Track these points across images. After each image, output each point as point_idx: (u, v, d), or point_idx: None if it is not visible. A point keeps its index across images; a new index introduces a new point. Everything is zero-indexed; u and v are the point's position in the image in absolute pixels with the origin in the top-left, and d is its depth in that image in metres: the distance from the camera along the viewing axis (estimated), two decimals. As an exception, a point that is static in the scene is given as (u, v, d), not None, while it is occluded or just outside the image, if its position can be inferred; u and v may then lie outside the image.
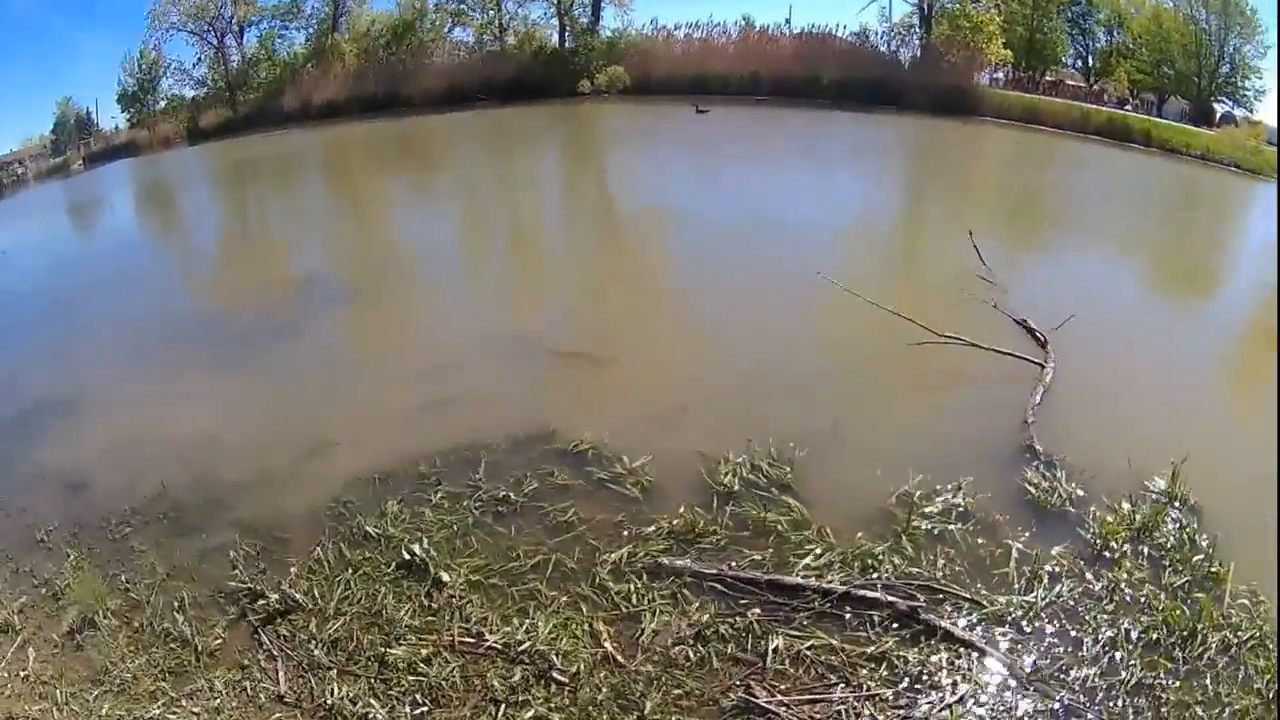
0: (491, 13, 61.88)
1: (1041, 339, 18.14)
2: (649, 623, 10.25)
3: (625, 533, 11.99)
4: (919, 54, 59.06)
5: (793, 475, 13.08)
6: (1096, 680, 9.22)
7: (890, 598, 10.24)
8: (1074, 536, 11.66)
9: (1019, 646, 9.71)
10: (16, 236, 39.37)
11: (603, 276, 25.48)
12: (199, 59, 59.86)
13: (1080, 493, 12.52)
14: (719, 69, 59.57)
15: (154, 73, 59.42)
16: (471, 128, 55.87)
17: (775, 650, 9.63)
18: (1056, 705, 8.99)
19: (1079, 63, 61.37)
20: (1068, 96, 58.11)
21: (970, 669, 9.37)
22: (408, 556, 11.64)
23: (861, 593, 10.28)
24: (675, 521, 12.02)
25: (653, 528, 11.98)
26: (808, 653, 9.62)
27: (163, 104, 59.59)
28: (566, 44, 61.51)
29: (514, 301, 23.32)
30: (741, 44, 61.22)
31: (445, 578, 11.25)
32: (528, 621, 10.39)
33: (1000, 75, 58.14)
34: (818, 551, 11.17)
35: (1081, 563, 11.07)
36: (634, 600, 10.64)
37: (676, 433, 14.60)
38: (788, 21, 60.89)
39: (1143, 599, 10.45)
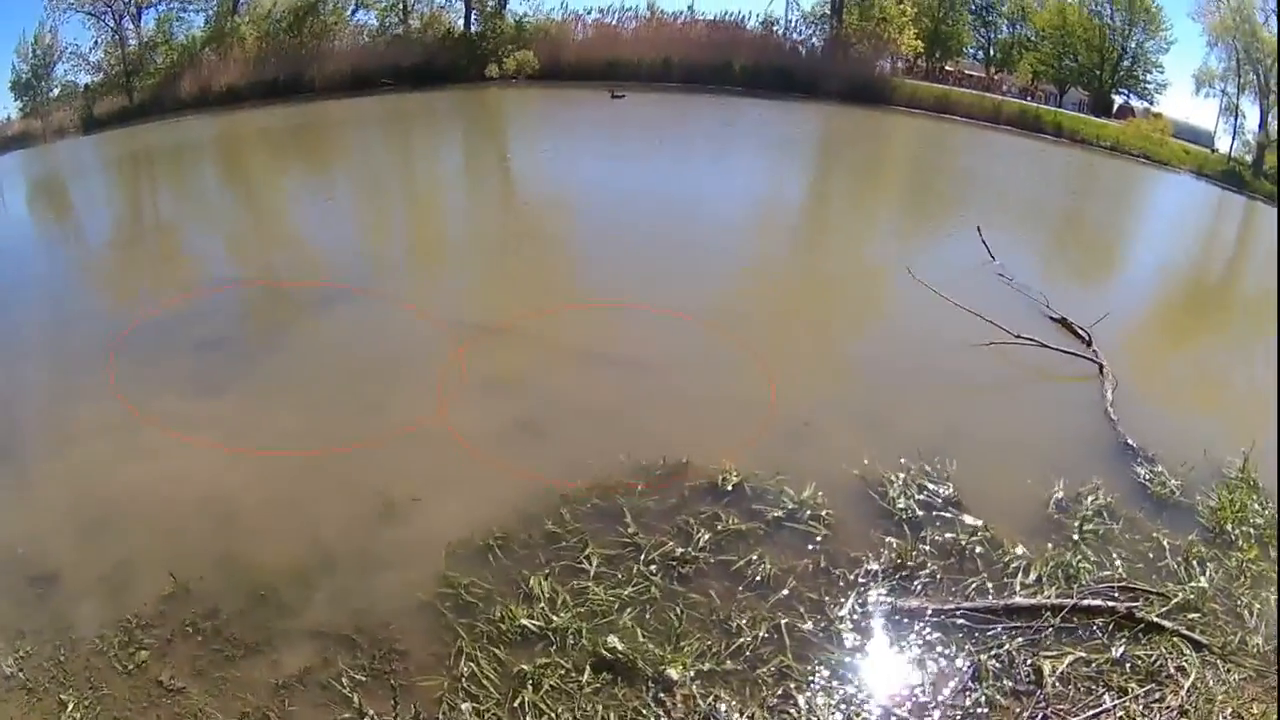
0: None
1: (1085, 336, 17.85)
2: (923, 675, 8.87)
3: (837, 578, 10.24)
4: (828, 43, 58.03)
5: (957, 489, 12.02)
6: (1267, 649, 9.36)
7: (1110, 603, 9.83)
8: (1194, 524, 11.67)
9: (1206, 630, 9.59)
10: None
11: (595, 274, 22.31)
12: (95, 42, 54.59)
13: (1175, 483, 12.50)
14: (630, 55, 57.83)
15: (48, 58, 53.76)
16: (377, 114, 52.51)
17: (1045, 674, 8.81)
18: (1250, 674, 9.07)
19: (978, 53, 62.00)
20: (966, 86, 58.46)
21: (1189, 658, 9.11)
22: (606, 654, 8.82)
23: (1087, 602, 9.78)
24: (879, 558, 10.54)
25: (861, 569, 10.34)
26: (1068, 670, 8.90)
27: (57, 91, 54.39)
28: (473, 28, 59.19)
29: (512, 297, 20.44)
30: (653, 30, 59.35)
31: (674, 675, 8.63)
32: (800, 713, 8.41)
33: (900, 65, 57.92)
34: (1021, 567, 10.51)
35: (1214, 549, 11.15)
36: (894, 655, 9.17)
37: (812, 451, 12.98)
38: (690, 9, 59.52)
39: (1261, 573, 10.74)
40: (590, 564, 10.24)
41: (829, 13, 58.06)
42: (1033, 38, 59.30)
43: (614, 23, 59.93)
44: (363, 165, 40.84)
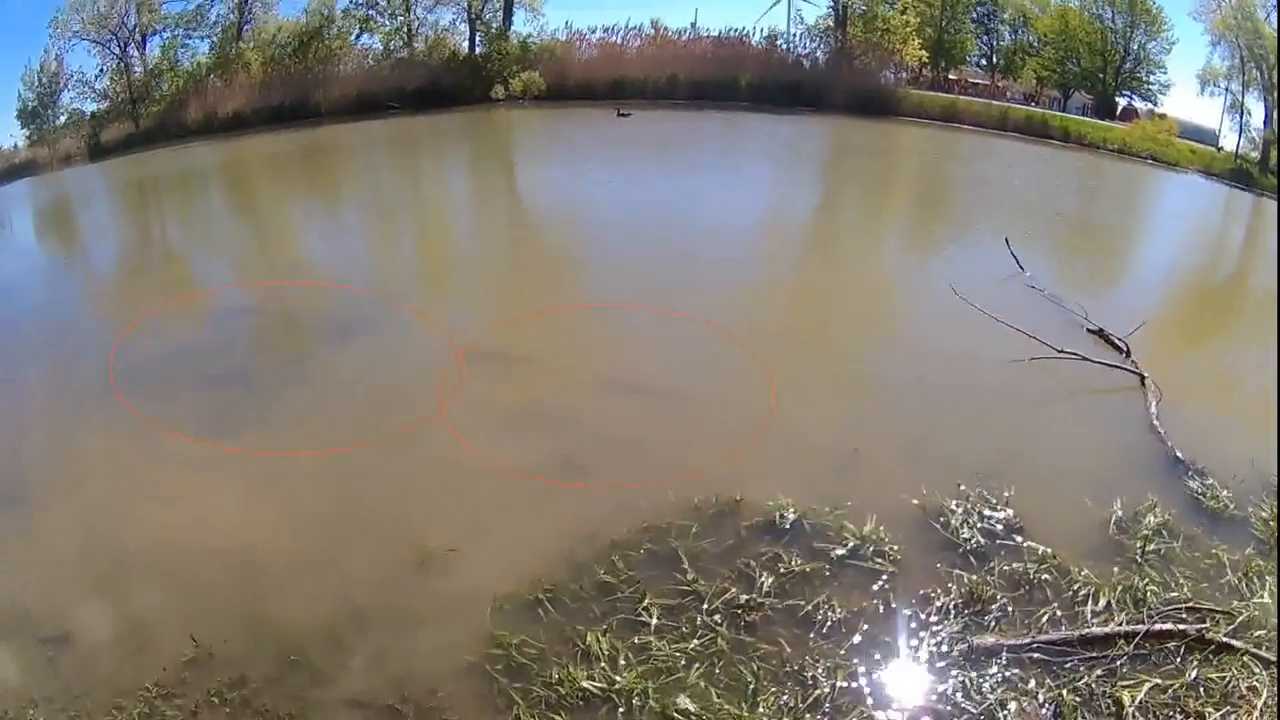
0: (400, 19, 58.15)
1: (1123, 347, 17.66)
2: (1006, 715, 8.45)
3: (909, 618, 9.76)
4: (833, 56, 57.65)
5: (1017, 515, 11.65)
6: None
7: (1180, 625, 9.56)
8: (1249, 537, 11.48)
9: (1274, 646, 9.29)
10: None
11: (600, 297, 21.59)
12: (101, 70, 54.64)
13: (1227, 495, 12.28)
14: (635, 73, 57.52)
15: (54, 86, 53.75)
16: (383, 138, 51.98)
17: (1125, 706, 8.49)
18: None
19: (982, 61, 61.84)
20: (970, 94, 58.05)
21: (1259, 676, 8.91)
22: (677, 716, 8.28)
23: (1159, 627, 9.48)
24: (949, 593, 10.10)
25: (932, 607, 9.88)
26: (1146, 699, 8.61)
27: (63, 119, 54.43)
28: (478, 49, 58.78)
29: (539, 325, 19.51)
30: (658, 47, 59.15)
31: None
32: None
33: (904, 75, 57.43)
34: (1090, 594, 10.14)
35: (1271, 561, 10.91)
36: (975, 697, 8.66)
37: (864, 480, 12.50)
38: (693, 25, 59.24)
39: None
40: (650, 616, 9.62)
41: (833, 25, 57.80)
42: (1035, 43, 59.09)
43: (619, 41, 59.66)
44: (372, 189, 40.62)
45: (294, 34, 56.52)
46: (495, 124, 55.52)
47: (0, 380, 18.21)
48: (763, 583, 10.14)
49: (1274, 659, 9.11)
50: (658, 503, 11.68)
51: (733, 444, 13.63)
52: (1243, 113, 50.35)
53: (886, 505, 11.65)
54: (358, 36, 58.51)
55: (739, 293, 21.51)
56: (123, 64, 54.68)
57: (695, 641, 9.23)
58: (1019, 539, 11.20)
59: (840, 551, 10.75)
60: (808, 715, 8.39)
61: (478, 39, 58.86)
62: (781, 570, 10.38)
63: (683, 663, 8.96)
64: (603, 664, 8.86)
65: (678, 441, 13.74)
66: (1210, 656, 9.18)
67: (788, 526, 11.25)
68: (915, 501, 11.90)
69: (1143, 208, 43.67)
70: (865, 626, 9.54)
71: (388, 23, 58.42)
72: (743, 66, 57.35)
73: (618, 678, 8.63)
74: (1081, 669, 8.98)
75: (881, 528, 11.12)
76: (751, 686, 8.65)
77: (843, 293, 22.86)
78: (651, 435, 14.02)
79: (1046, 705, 8.60)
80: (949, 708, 8.55)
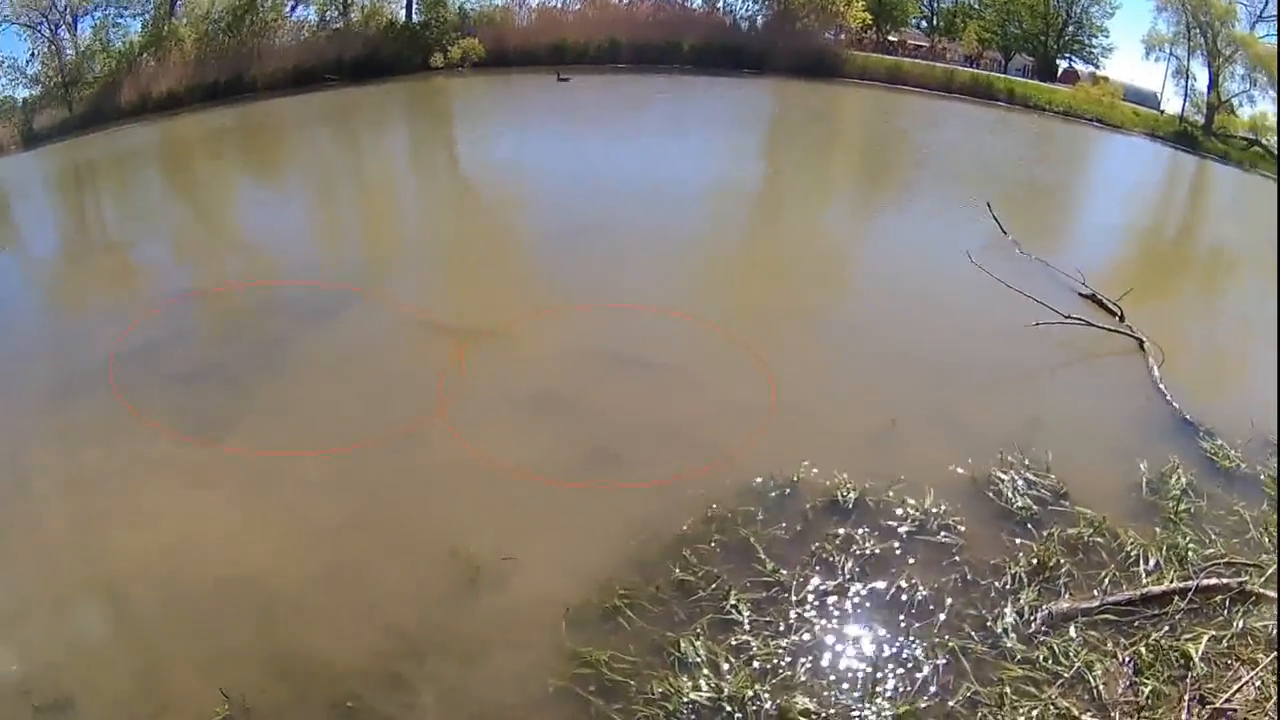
0: None
1: (1117, 311, 17.94)
2: (1095, 678, 8.66)
3: (987, 588, 9.95)
4: (775, 18, 57.37)
5: (1060, 480, 11.93)
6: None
7: (1224, 580, 10.06)
8: (1260, 493, 12.07)
9: None
10: None
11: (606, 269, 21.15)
12: (32, 54, 52.40)
13: (1236, 454, 12.94)
14: (576, 38, 56.73)
15: None
16: (320, 110, 50.87)
17: (1194, 658, 8.87)
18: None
19: (923, 23, 62.15)
20: (913, 56, 58.18)
21: None
22: (800, 718, 8.01)
23: (1208, 582, 9.98)
24: (1017, 562, 10.30)
25: (1006, 576, 10.08)
26: (1207, 649, 8.98)
27: None
28: (415, 18, 57.68)
29: (514, 300, 18.84)
30: (597, 10, 58.56)
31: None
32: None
33: (844, 37, 57.23)
34: (1139, 554, 10.56)
35: None
36: (1064, 661, 8.85)
37: (907, 452, 12.56)
38: None
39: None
40: (740, 613, 9.22)
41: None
42: (975, 5, 59.51)
43: (558, 6, 58.78)
44: (314, 163, 40.05)
45: (228, 8, 54.50)
46: (435, 92, 54.60)
47: None
48: (843, 566, 10.07)
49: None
50: (710, 490, 11.38)
51: (752, 425, 13.37)
52: (1188, 77, 51.12)
53: (936, 477, 11.80)
54: (292, 9, 56.69)
55: (708, 270, 21.44)
56: (54, 47, 53.11)
57: (792, 636, 8.99)
58: (1066, 504, 11.48)
59: (908, 528, 10.82)
60: (921, 700, 8.36)
61: (415, 7, 57.72)
62: (856, 552, 10.30)
63: (786, 660, 8.70)
64: (705, 671, 8.47)
65: (701, 425, 13.35)
66: (1251, 607, 9.65)
67: (851, 506, 11.16)
68: (962, 471, 12.11)
69: (1099, 170, 44.20)
70: (950, 602, 9.63)
71: (322, -8, 57.03)
72: (684, 30, 57.04)
73: (724, 684, 8.27)
74: (1148, 626, 9.38)
75: (943, 503, 11.21)
76: (862, 677, 8.58)
77: (822, 264, 22.84)
78: (672, 420, 13.50)
79: (1127, 663, 8.90)
80: (1045, 675, 8.69)
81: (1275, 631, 9.30)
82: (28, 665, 8.95)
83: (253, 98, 53.15)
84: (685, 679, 8.35)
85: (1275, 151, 44.64)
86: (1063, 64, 58.20)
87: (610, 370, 15.45)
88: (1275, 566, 10.30)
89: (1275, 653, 8.92)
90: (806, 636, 9.00)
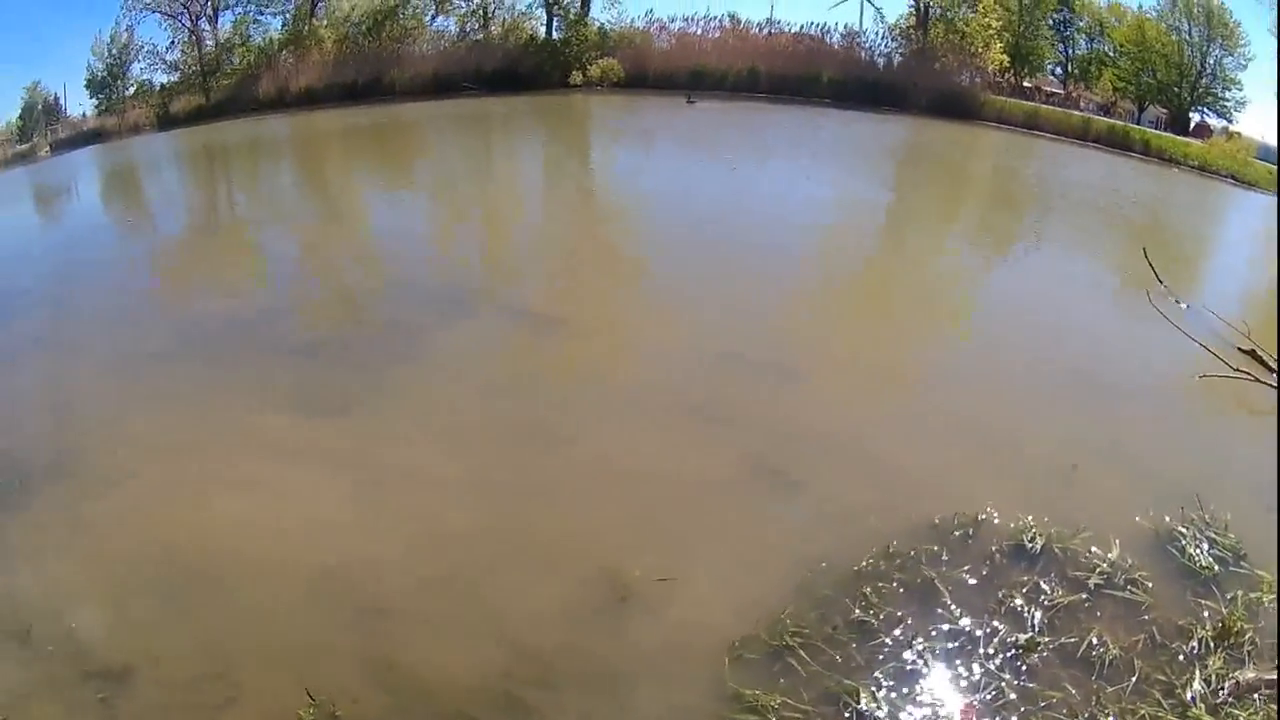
0: (475, 1, 56.94)
1: (1275, 368, 17.16)
2: None
3: (1175, 652, 8.99)
4: (914, 56, 56.16)
5: (1241, 541, 10.72)
6: None
7: None
8: None
9: None
10: None
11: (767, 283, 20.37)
12: (172, 42, 54.73)
13: None
14: (716, 64, 55.77)
15: (124, 57, 54.06)
16: (456, 116, 51.09)
17: None
18: None
19: (1057, 69, 60.91)
20: (1046, 102, 56.59)
21: None
22: None
23: None
24: (1203, 625, 9.30)
25: (1193, 640, 9.07)
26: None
27: (133, 90, 54.82)
28: (556, 34, 57.44)
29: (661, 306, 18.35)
30: (737, 40, 57.40)
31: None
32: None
33: (980, 80, 55.57)
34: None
35: None
36: None
37: (1092, 498, 11.52)
38: (770, 20, 57.44)
39: None
40: (926, 663, 8.37)
41: (914, 25, 56.37)
42: (1111, 53, 58.32)
43: (697, 32, 57.87)
44: (442, 165, 40.15)
45: (368, 13, 55.76)
46: (569, 106, 54.35)
47: (54, 342, 16.99)
48: (1031, 618, 9.19)
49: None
50: (885, 521, 10.50)
51: (925, 454, 12.44)
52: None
53: (1119, 527, 10.81)
54: (433, 18, 57.69)
55: (849, 292, 20.91)
56: (194, 37, 54.75)
57: (983, 693, 8.18)
58: (1247, 566, 10.39)
59: (1096, 581, 9.83)
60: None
61: (555, 24, 57.74)
62: (1045, 603, 9.41)
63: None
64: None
65: (864, 446, 12.43)
66: None
67: (1038, 551, 10.23)
68: (1143, 522, 11.05)
69: (1234, 226, 42.62)
70: (1138, 664, 8.72)
71: (464, 4, 57.48)
72: (823, 63, 55.74)
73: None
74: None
75: (1129, 556, 10.26)
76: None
77: (972, 298, 21.76)
78: (833, 439, 12.64)
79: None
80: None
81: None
82: (88, 625, 8.72)
83: (390, 100, 53.80)
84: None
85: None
86: (1195, 117, 56.62)
87: (756, 383, 14.53)
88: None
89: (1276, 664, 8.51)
90: (996, 695, 8.15)
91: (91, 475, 11.51)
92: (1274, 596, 9.94)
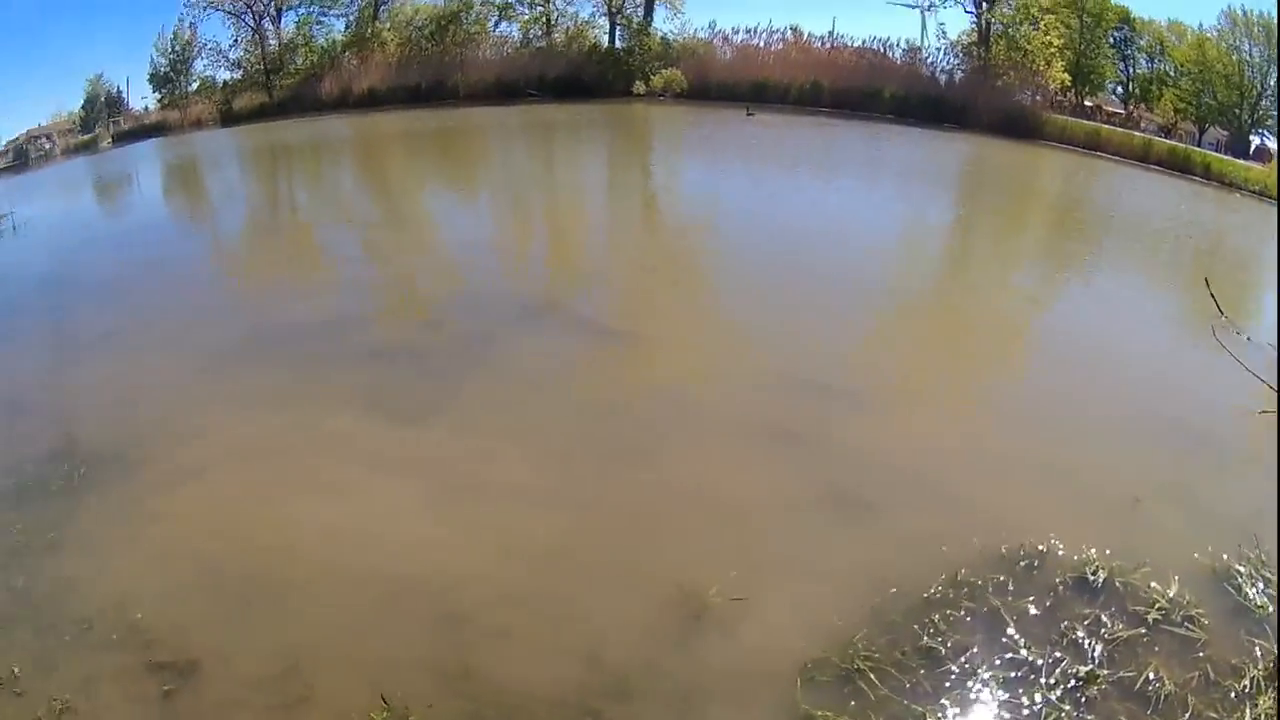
0: (539, 8, 57.24)
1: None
2: None
3: (1227, 690, 8.64)
4: (975, 73, 55.95)
5: None
6: None
7: None
8: None
9: None
10: (41, 209, 34.33)
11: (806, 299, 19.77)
12: (235, 40, 56.04)
13: None
14: (779, 77, 55.85)
15: (187, 53, 55.58)
16: (519, 122, 50.81)
17: None
18: None
19: (1117, 88, 60.15)
20: (1104, 121, 55.78)
21: None
22: None
23: None
24: (1255, 664, 8.92)
25: (1245, 680, 8.73)
26: None
27: (195, 85, 56.05)
28: (619, 43, 57.78)
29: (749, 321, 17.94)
30: (801, 53, 57.34)
31: None
32: None
33: (1040, 98, 55.21)
34: None
35: None
36: None
37: (1152, 532, 11.13)
38: (831, 33, 57.32)
39: None
40: (990, 692, 8.25)
41: (976, 42, 56.08)
42: (1171, 73, 57.75)
43: (759, 44, 57.96)
44: (505, 170, 40.02)
45: (431, 17, 56.59)
46: (632, 115, 54.12)
47: (125, 335, 16.86)
48: (1092, 650, 8.96)
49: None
50: (954, 548, 10.29)
51: (992, 483, 12.12)
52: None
53: (1178, 563, 10.28)
54: (496, 23, 58.32)
55: (912, 316, 19.88)
56: (257, 36, 55.76)
57: None
58: None
59: (1154, 616, 9.49)
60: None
61: (619, 33, 58.01)
62: (1106, 636, 9.14)
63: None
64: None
65: (933, 474, 12.05)
66: None
67: (1100, 584, 9.94)
68: (1200, 558, 11.02)
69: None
70: (1193, 701, 8.44)
71: (526, 11, 57.89)
72: (885, 78, 55.62)
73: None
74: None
75: (1186, 591, 9.93)
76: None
77: (1027, 325, 21.09)
78: (904, 466, 12.23)
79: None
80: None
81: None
82: (154, 616, 8.65)
83: (454, 104, 54.50)
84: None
85: None
86: (1255, 140, 55.91)
87: (826, 407, 14.02)
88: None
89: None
90: (1052, 713, 8.01)
91: (160, 470, 11.50)
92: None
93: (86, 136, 54.09)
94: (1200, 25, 56.06)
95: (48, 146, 53.69)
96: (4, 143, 52.59)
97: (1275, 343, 16.31)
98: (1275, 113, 55.01)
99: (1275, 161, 52.29)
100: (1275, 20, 51.55)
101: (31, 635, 8.58)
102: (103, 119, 55.11)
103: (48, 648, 8.38)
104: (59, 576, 9.39)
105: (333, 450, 11.88)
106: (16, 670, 8.06)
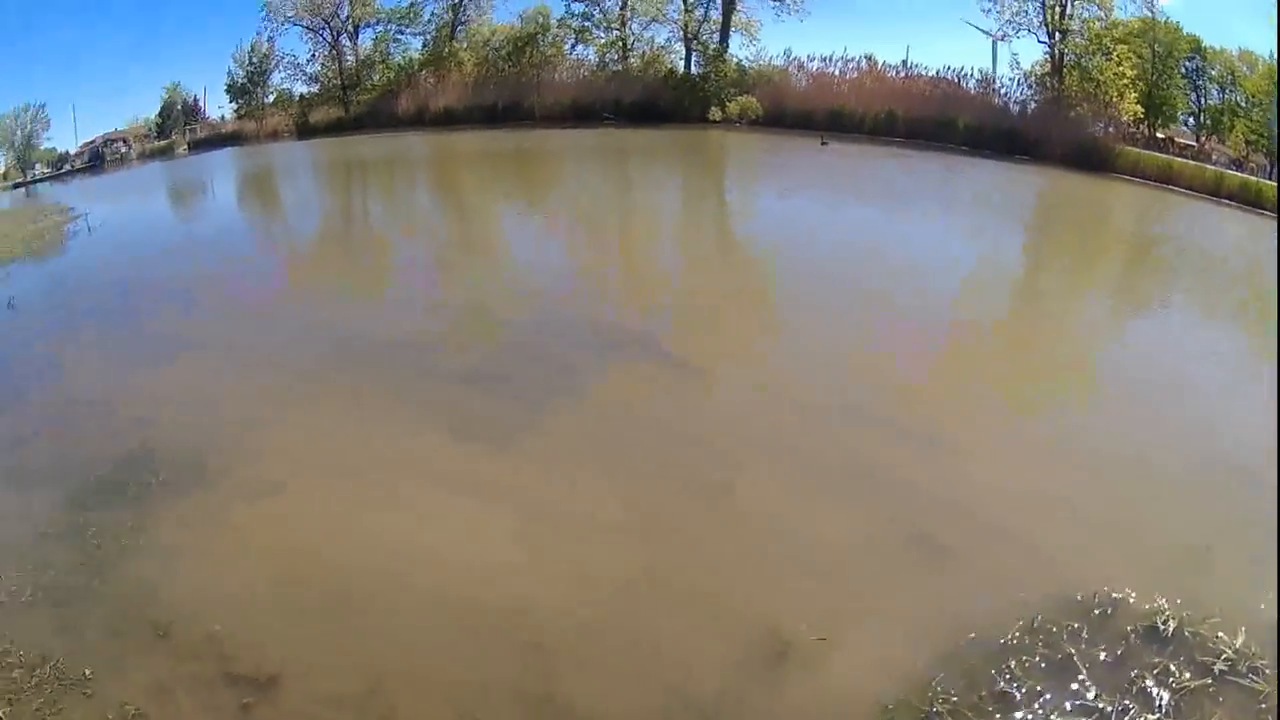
0: (615, 33, 57.15)
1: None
2: None
3: None
4: (1048, 104, 55.22)
5: None
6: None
7: None
8: None
9: None
10: (116, 211, 36.97)
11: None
12: (312, 55, 57.05)
13: None
14: (854, 106, 55.28)
15: (265, 65, 57.02)
16: (594, 146, 50.99)
17: None
18: None
19: (1189, 120, 59.02)
20: (1175, 154, 54.47)
21: None
22: None
23: None
24: None
25: None
26: None
27: (272, 98, 56.93)
28: (694, 69, 57.49)
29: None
30: (876, 82, 56.83)
31: None
32: None
33: (1111, 129, 54.41)
34: None
35: None
36: None
37: (1221, 582, 11.11)
38: (905, 62, 56.91)
39: None
40: None
41: (1049, 73, 55.58)
42: (1243, 104, 57.00)
43: (835, 72, 57.54)
44: (580, 194, 40.16)
45: (508, 38, 56.86)
46: (707, 141, 53.91)
47: (203, 345, 17.44)
48: (1160, 700, 9.12)
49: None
50: (1030, 594, 10.44)
51: (1071, 526, 12.20)
52: None
53: (1244, 614, 10.35)
54: (572, 47, 58.31)
55: (982, 353, 19.81)
56: (334, 52, 56.72)
57: None
58: None
59: (1221, 667, 9.61)
60: None
61: (694, 59, 57.92)
62: (1174, 685, 9.30)
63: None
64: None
65: (1014, 515, 12.19)
66: None
67: (1169, 634, 10.02)
68: (1265, 609, 10.96)
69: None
70: None
71: (603, 35, 57.84)
72: (959, 108, 55.19)
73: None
74: None
75: (1252, 643, 9.95)
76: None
77: (1093, 364, 20.88)
78: (984, 506, 12.42)
79: None
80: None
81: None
82: (234, 629, 8.89)
83: (529, 125, 54.79)
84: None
85: None
86: (1325, 173, 54.98)
87: (901, 446, 14.15)
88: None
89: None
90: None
91: (238, 482, 11.77)
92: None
93: (163, 142, 57.12)
94: (1271, 54, 54.86)
95: (124, 150, 56.29)
96: (80, 144, 54.49)
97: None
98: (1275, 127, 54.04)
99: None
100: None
101: (105, 638, 8.89)
102: (179, 126, 56.21)
103: (121, 652, 8.67)
104: (135, 581, 9.77)
105: (415, 471, 12.12)
106: (88, 672, 8.35)
